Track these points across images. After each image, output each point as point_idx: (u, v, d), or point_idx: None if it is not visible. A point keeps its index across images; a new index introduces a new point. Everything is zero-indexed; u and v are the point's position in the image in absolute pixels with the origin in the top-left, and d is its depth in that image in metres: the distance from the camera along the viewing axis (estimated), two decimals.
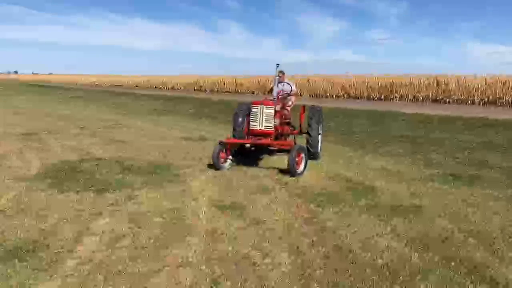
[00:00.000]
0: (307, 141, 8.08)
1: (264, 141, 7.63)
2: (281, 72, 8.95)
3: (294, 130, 8.95)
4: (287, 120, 8.69)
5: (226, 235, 4.45)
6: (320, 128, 8.65)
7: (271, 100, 8.19)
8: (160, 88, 52.05)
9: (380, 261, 3.88)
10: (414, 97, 28.86)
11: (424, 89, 28.80)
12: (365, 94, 31.69)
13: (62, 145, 9.65)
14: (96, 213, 5.00)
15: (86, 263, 3.70)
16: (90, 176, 6.68)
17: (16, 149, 8.91)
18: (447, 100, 27.39)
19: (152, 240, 4.26)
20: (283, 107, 8.51)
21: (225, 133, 9.61)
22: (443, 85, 28.20)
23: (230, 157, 7.69)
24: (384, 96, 30.48)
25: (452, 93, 27.49)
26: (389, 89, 30.52)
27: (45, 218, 4.77)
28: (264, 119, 7.75)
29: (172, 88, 51.27)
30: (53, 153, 8.69)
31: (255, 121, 7.81)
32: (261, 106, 7.77)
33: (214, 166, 7.24)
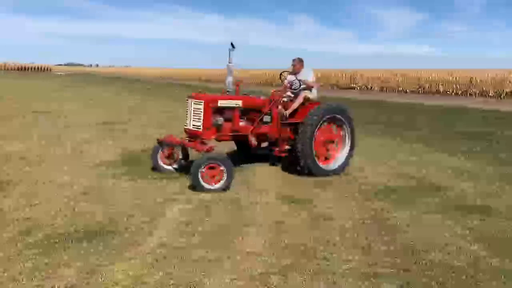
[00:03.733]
0: (294, 150, 6.59)
1: (189, 144, 6.34)
2: (296, 60, 7.17)
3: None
4: (288, 121, 6.80)
5: (293, 227, 4.47)
6: (347, 136, 6.93)
7: (250, 94, 6.98)
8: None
9: (454, 263, 3.69)
10: (496, 92, 26.88)
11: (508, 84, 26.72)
12: (441, 89, 30.06)
13: (136, 135, 10.17)
14: (169, 200, 5.23)
15: (160, 247, 3.88)
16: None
17: (96, 137, 9.53)
18: None
19: (220, 228, 4.38)
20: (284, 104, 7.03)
21: None
22: None
23: (181, 157, 6.67)
24: (462, 92, 28.71)
25: None
26: (467, 84, 28.71)
27: (122, 203, 5.06)
28: (192, 116, 6.30)
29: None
30: (128, 141, 9.18)
31: (187, 118, 6.44)
32: (190, 100, 6.37)
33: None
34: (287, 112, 6.77)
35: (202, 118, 6.14)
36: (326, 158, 6.77)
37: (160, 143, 6.48)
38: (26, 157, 7.29)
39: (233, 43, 6.59)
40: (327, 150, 6.77)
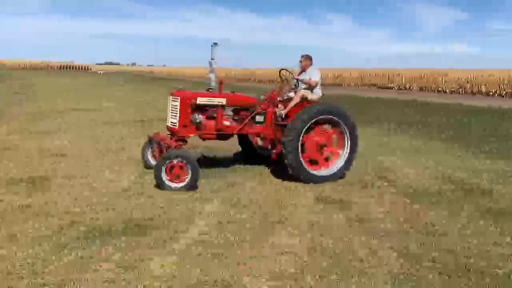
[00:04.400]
0: (281, 152, 6.12)
1: (168, 141, 6.15)
2: (304, 56, 6.82)
3: None
4: (282, 122, 6.40)
5: (329, 229, 4.40)
6: (346, 139, 6.32)
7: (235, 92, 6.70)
8: (254, 80, 52.69)
9: (500, 271, 3.53)
10: None
11: None
12: (484, 90, 28.95)
13: None
14: (206, 197, 5.27)
15: (197, 244, 3.91)
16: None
17: (135, 134, 9.73)
18: None
19: (256, 227, 4.37)
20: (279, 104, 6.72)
21: None
22: None
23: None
24: (507, 93, 27.51)
25: None
26: None
27: (161, 199, 5.13)
28: (170, 113, 6.26)
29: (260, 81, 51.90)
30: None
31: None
32: (169, 97, 6.33)
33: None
34: (284, 112, 6.47)
35: (178, 115, 6.08)
36: (321, 163, 6.27)
37: (150, 140, 6.49)
38: (67, 153, 7.51)
39: (216, 42, 6.51)
40: (322, 154, 6.24)
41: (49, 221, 4.33)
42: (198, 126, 6.16)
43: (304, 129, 6.00)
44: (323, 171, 6.21)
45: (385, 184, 6.13)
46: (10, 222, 4.25)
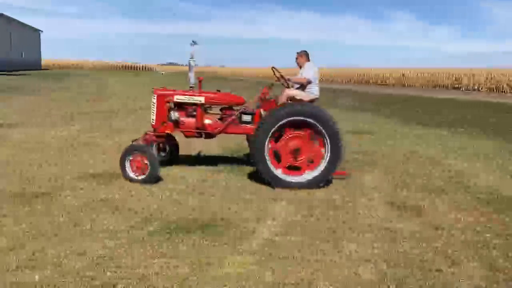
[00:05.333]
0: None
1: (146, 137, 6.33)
2: (299, 53, 6.61)
3: None
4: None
5: (403, 235, 4.22)
6: (326, 145, 5.69)
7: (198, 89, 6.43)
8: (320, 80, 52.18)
9: None
10: None
11: None
12: None
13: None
14: (274, 197, 5.26)
15: (267, 244, 3.90)
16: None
17: None
18: None
19: (327, 230, 4.29)
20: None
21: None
22: None
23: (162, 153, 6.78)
24: None
25: None
26: None
27: (230, 198, 5.18)
28: (151, 110, 6.37)
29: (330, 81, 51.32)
30: (234, 137, 9.42)
31: None
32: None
33: None
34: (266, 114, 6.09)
35: (155, 112, 6.23)
36: (296, 168, 5.81)
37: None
38: None
39: (194, 40, 6.45)
40: (296, 159, 5.77)
41: (126, 215, 4.50)
42: (175, 124, 6.23)
43: (269, 135, 5.61)
44: (299, 177, 5.74)
45: (461, 190, 5.81)
46: (89, 215, 4.46)
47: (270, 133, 5.62)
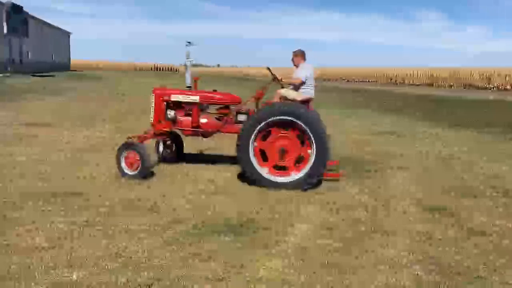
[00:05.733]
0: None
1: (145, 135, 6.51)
2: (295, 52, 6.56)
3: None
4: None
5: (440, 241, 4.11)
6: (312, 146, 5.60)
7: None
8: (336, 80, 51.45)
9: None
10: None
11: None
12: None
13: None
14: (305, 199, 5.22)
15: (299, 248, 3.86)
16: None
17: None
18: None
19: (359, 234, 4.21)
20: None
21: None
22: None
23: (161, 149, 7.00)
24: None
25: None
26: None
27: (261, 200, 5.15)
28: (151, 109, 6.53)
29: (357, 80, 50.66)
30: None
31: None
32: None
33: None
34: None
35: (152, 110, 6.40)
36: (283, 168, 5.77)
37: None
38: None
39: (189, 41, 6.59)
40: (282, 159, 5.72)
41: (159, 215, 4.54)
42: (173, 122, 6.40)
43: (253, 133, 5.62)
44: (286, 177, 5.70)
45: (498, 194, 5.62)
46: (124, 215, 4.50)
47: (254, 132, 5.63)
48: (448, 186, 5.92)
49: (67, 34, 65.75)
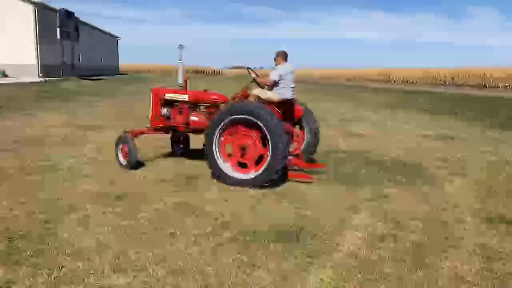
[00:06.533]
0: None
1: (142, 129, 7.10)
2: (276, 53, 6.50)
3: None
4: None
5: (501, 254, 3.82)
6: (269, 144, 5.60)
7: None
8: (389, 81, 50.32)
9: None
10: None
11: None
12: None
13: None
14: (357, 207, 5.03)
15: (351, 258, 3.70)
16: (334, 169, 6.85)
17: None
18: None
19: (415, 246, 3.98)
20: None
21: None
22: None
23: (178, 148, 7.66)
24: None
25: None
26: None
27: (312, 207, 4.99)
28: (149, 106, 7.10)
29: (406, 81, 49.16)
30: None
31: None
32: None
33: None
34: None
35: (150, 107, 6.95)
36: (245, 166, 5.91)
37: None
38: None
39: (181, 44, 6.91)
40: (242, 156, 5.89)
41: (204, 220, 4.48)
42: (167, 119, 6.95)
43: (217, 130, 5.85)
44: (243, 175, 5.81)
45: None
46: (169, 220, 4.48)
47: (217, 128, 5.83)
48: (507, 194, 5.54)
49: (116, 39, 68.01)
